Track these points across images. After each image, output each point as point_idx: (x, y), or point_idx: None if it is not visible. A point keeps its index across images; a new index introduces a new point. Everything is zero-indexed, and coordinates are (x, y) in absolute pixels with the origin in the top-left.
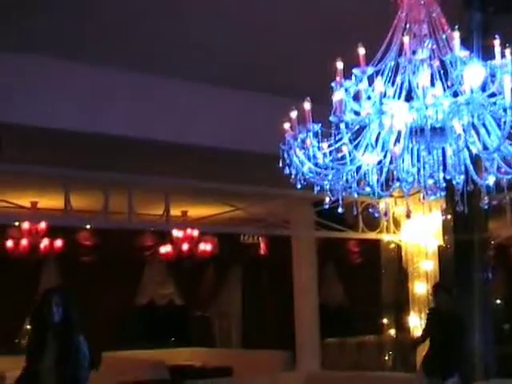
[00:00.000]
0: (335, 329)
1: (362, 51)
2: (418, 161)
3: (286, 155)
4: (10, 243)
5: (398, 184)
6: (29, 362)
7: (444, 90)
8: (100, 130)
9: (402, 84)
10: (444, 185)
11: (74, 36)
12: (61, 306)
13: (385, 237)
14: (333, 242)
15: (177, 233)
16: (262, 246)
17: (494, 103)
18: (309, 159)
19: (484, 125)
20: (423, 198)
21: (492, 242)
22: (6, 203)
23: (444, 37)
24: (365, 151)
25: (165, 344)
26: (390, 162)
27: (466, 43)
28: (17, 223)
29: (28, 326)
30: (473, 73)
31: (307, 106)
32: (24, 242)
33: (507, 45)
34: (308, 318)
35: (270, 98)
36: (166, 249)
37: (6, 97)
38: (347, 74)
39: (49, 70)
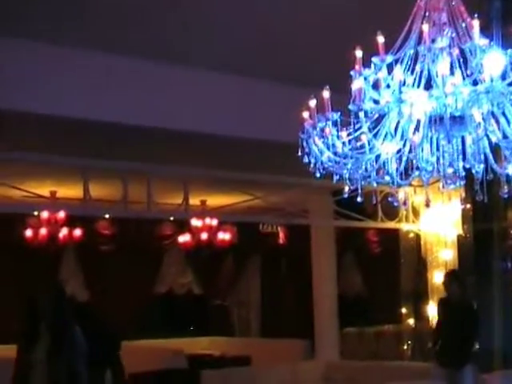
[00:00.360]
0: (354, 318)
1: (381, 39)
2: (438, 150)
3: (304, 144)
4: (29, 233)
5: (417, 173)
6: (20, 353)
7: (463, 78)
8: (116, 119)
9: (421, 72)
10: (463, 174)
11: (92, 24)
12: (54, 297)
13: (404, 226)
14: (352, 232)
15: (195, 222)
16: (281, 235)
17: None
18: (328, 148)
19: (504, 113)
20: (442, 187)
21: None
22: (25, 192)
23: (463, 25)
24: (384, 140)
25: (183, 333)
26: (410, 151)
27: (485, 31)
28: (36, 213)
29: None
30: (492, 61)
31: (326, 94)
32: (43, 231)
33: None
34: (327, 307)
35: (288, 87)
36: (184, 238)
37: (19, 85)
38: (366, 63)
39: (62, 58)
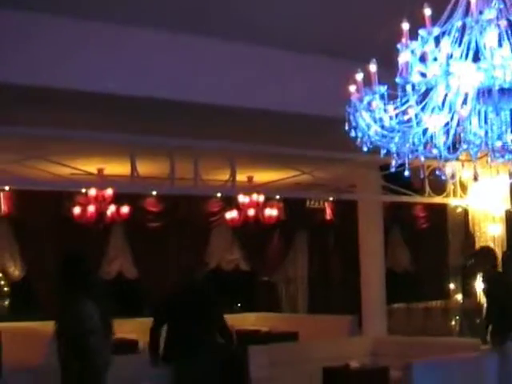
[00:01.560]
0: (401, 294)
1: (427, 12)
2: (486, 123)
3: (351, 118)
4: (77, 210)
5: (465, 146)
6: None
7: None
8: (163, 95)
9: (468, 45)
10: None
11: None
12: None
13: (451, 201)
14: (399, 207)
15: (243, 198)
16: (328, 210)
17: None
18: (375, 122)
19: None
20: (491, 160)
21: None
22: (73, 170)
23: None
24: (431, 113)
25: (231, 309)
26: (457, 125)
27: None
28: (84, 190)
29: None
30: None
31: (373, 68)
32: (91, 208)
33: None
34: (374, 282)
35: (335, 61)
36: (231, 214)
37: (65, 63)
38: (413, 36)
39: (110, 35)
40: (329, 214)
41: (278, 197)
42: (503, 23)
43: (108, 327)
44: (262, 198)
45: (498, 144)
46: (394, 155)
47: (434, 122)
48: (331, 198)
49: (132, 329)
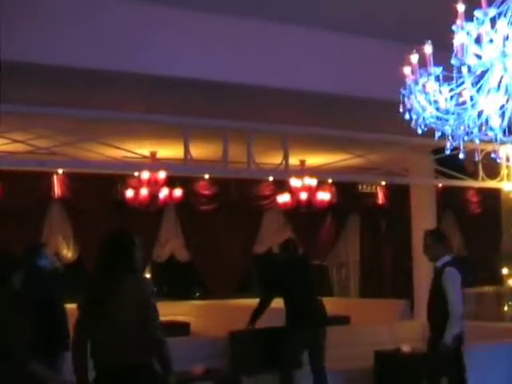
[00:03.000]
0: None
1: None
2: None
3: (406, 100)
4: (130, 193)
5: None
6: None
7: None
8: (216, 77)
9: None
10: None
11: None
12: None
13: (505, 186)
14: (452, 191)
15: (295, 182)
16: (380, 194)
17: None
18: (430, 104)
19: None
20: None
21: None
22: (126, 153)
23: None
24: (487, 95)
25: None
26: None
27: None
28: (136, 173)
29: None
30: None
31: (428, 49)
32: (144, 191)
33: None
34: (427, 267)
35: (389, 43)
36: (284, 198)
37: (122, 46)
38: (469, 17)
39: (168, 18)
40: (381, 198)
41: (330, 180)
42: None
43: None
44: (314, 182)
45: None
46: (449, 138)
47: (490, 104)
48: (383, 182)
49: (184, 311)
